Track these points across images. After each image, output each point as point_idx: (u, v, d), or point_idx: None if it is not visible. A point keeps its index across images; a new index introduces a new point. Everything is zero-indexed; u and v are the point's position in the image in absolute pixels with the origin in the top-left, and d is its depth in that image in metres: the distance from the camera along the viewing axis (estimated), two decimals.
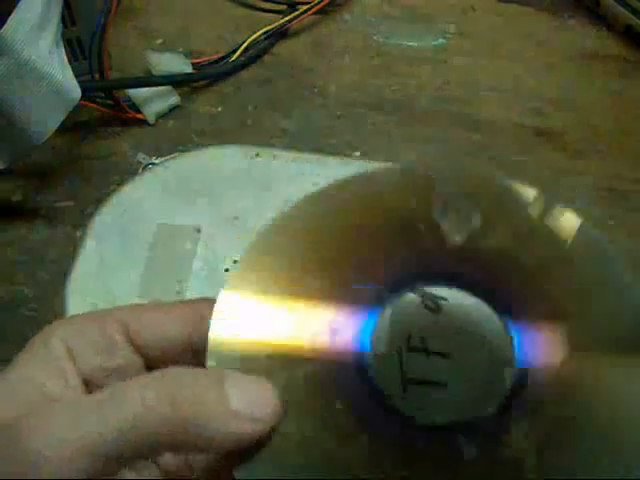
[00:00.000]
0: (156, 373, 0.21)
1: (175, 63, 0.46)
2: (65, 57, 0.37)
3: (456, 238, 0.24)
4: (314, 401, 0.22)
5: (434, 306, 0.26)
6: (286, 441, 0.21)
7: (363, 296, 0.24)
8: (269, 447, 0.21)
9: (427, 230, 0.25)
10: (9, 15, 0.34)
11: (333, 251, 0.25)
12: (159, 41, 0.50)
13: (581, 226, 0.24)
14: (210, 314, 0.23)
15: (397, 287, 0.24)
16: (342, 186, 0.26)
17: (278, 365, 0.22)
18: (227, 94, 0.47)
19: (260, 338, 0.23)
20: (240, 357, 0.22)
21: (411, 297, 0.24)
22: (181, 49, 0.49)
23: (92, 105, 0.43)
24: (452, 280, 0.24)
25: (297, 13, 0.50)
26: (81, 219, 0.31)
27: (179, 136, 0.45)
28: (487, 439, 0.22)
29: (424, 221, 0.25)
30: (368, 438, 0.22)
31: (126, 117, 0.44)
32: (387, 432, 0.22)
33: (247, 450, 0.20)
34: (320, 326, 0.23)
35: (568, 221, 0.24)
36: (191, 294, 0.31)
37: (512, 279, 0.24)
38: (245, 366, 0.22)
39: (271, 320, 0.23)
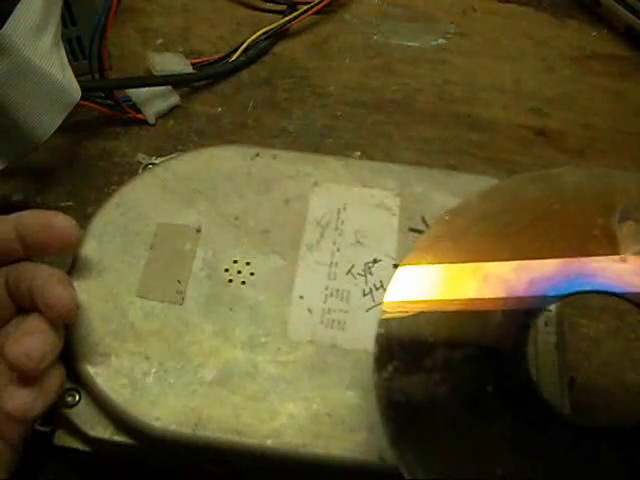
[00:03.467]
0: None
1: (175, 63, 0.46)
2: (65, 57, 0.37)
3: (631, 249, 0.25)
4: (467, 381, 0.24)
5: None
6: (437, 416, 0.23)
7: (528, 290, 0.25)
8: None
9: (602, 237, 0.25)
10: (9, 15, 0.34)
11: (506, 243, 0.26)
12: (159, 41, 0.50)
13: None
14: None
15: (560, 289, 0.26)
16: (522, 183, 0.27)
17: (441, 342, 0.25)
18: (227, 94, 0.47)
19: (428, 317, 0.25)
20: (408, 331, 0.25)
21: None
22: (181, 49, 0.49)
23: (92, 105, 0.43)
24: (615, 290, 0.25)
25: (297, 13, 0.50)
26: (81, 219, 0.31)
27: (179, 136, 0.45)
28: (631, 449, 0.23)
29: (600, 228, 0.25)
30: (512, 423, 0.23)
31: (126, 117, 0.44)
32: (532, 422, 0.24)
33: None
34: (485, 311, 0.25)
35: None
36: (191, 294, 0.31)
37: None
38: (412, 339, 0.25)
39: (440, 300, 0.26)
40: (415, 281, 0.26)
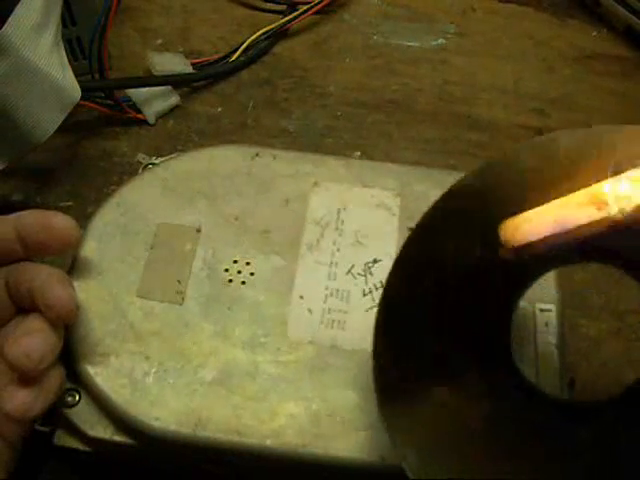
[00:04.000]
0: None
1: (175, 63, 0.46)
2: (65, 57, 0.37)
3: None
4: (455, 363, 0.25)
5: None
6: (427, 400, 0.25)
7: None
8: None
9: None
10: (9, 15, 0.34)
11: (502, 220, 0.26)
12: (159, 41, 0.50)
13: None
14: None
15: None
16: (516, 154, 0.27)
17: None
18: (227, 94, 0.47)
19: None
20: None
21: None
22: (181, 49, 0.49)
23: (92, 105, 0.43)
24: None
25: (297, 13, 0.50)
26: (81, 219, 0.31)
27: (179, 136, 0.45)
28: (606, 427, 0.24)
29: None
30: (492, 404, 0.25)
31: (126, 117, 0.44)
32: (513, 402, 0.25)
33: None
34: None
35: None
36: (191, 294, 0.31)
37: None
38: None
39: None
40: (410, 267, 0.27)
